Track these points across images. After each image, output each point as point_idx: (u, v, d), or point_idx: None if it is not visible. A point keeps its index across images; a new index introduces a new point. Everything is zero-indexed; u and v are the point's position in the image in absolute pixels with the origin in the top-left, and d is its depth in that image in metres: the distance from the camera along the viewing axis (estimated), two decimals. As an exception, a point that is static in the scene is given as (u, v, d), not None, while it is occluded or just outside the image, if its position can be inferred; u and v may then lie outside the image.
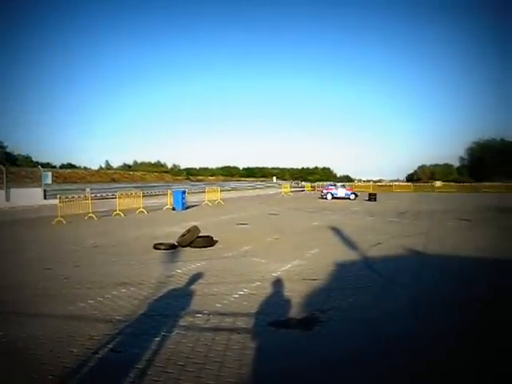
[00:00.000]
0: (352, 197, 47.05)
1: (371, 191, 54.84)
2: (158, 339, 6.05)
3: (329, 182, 73.56)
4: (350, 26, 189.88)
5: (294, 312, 7.34)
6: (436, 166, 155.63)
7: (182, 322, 6.82)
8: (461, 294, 8.49)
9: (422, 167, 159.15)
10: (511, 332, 6.44)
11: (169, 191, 34.46)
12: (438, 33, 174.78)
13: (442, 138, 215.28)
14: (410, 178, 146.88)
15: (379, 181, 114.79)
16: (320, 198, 48.94)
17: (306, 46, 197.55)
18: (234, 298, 8.29)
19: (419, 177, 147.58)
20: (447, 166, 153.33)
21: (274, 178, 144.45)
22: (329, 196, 48.45)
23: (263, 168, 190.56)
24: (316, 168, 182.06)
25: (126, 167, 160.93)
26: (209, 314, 7.20)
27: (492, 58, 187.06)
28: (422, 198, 51.15)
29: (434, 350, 5.66)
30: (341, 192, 48.25)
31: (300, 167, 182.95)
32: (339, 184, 54.30)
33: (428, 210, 30.89)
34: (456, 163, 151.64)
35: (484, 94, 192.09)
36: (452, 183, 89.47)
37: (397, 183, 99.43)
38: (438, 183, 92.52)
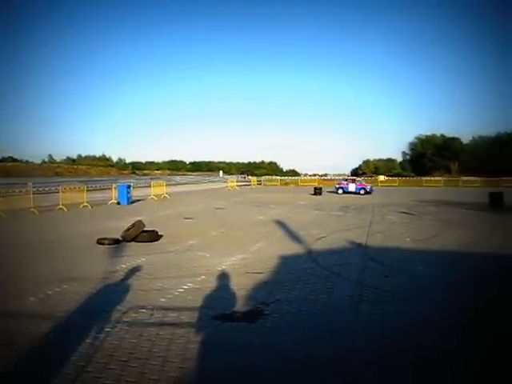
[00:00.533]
0: (362, 192, 46.27)
1: (317, 185, 55.43)
2: (100, 335, 5.97)
3: (341, 178, 75.72)
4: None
5: (239, 305, 7.39)
6: (379, 160, 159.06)
7: (125, 318, 6.75)
8: (402, 286, 8.71)
9: (366, 162, 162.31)
10: (442, 315, 6.69)
11: (114, 185, 33.94)
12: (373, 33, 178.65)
13: (386, 134, 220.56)
14: (355, 173, 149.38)
15: (325, 175, 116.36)
16: (333, 192, 48.86)
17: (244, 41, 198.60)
18: (179, 292, 8.28)
19: (363, 171, 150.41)
20: (390, 161, 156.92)
21: (221, 172, 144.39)
22: (340, 191, 47.93)
23: (210, 162, 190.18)
24: (263, 162, 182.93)
25: (70, 161, 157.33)
26: (153, 309, 7.16)
27: (436, 57, 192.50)
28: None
29: (375, 342, 5.82)
30: (351, 187, 47.42)
31: (247, 161, 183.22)
32: (350, 179, 54.36)
33: (371, 204, 31.55)
34: (399, 158, 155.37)
35: (427, 91, 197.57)
36: (395, 177, 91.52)
37: (342, 177, 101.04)
38: (382, 177, 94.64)
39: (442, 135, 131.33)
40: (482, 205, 29.19)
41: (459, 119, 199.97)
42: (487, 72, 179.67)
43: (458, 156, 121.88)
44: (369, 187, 47.62)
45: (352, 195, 44.36)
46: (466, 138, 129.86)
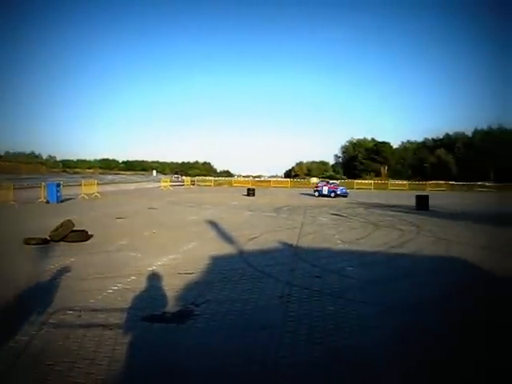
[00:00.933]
0: (332, 195, 45.59)
1: (250, 186, 55.74)
2: (25, 338, 5.78)
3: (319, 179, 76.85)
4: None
5: (169, 306, 7.35)
6: (313, 162, 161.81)
7: (52, 320, 6.57)
8: (332, 286, 8.92)
9: (299, 164, 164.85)
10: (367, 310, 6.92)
11: (43, 183, 32.91)
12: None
13: (319, 137, 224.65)
14: (288, 174, 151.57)
15: (258, 176, 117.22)
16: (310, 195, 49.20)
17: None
18: (108, 293, 8.14)
19: (296, 173, 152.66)
20: (323, 163, 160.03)
21: (154, 171, 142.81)
22: (316, 193, 47.80)
23: (143, 161, 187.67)
24: (197, 162, 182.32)
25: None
26: (80, 311, 7.01)
27: (370, 64, 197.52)
28: (298, 194, 53.00)
29: (303, 341, 5.94)
30: (325, 190, 47.01)
31: (181, 161, 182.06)
32: (323, 182, 52.79)
33: (304, 206, 32.08)
34: (331, 161, 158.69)
35: (360, 96, 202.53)
36: (327, 180, 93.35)
37: (275, 179, 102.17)
38: (315, 179, 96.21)
39: (373, 139, 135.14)
40: (409, 207, 30.27)
41: (389, 124, 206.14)
42: (419, 78, 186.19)
43: (387, 160, 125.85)
44: (342, 189, 47.20)
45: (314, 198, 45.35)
46: (395, 143, 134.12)
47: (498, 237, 17.01)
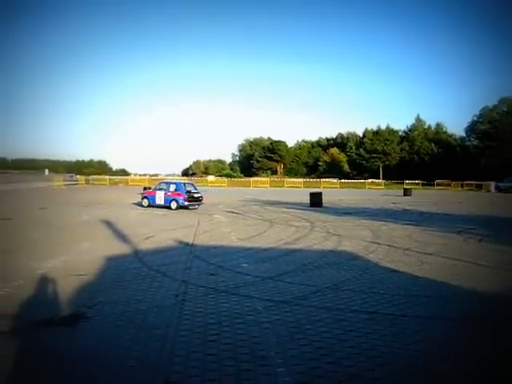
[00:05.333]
0: (173, 205, 27.71)
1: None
2: None
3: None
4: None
5: (60, 310, 7.09)
6: (210, 161, 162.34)
7: None
8: (226, 283, 9.00)
9: (196, 162, 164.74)
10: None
11: None
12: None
13: (217, 135, 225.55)
14: (186, 173, 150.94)
15: (156, 175, 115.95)
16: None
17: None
18: (-7, 298, 7.72)
19: (194, 171, 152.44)
20: (220, 162, 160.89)
21: (46, 170, 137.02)
22: (144, 203, 29.37)
23: (33, 159, 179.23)
24: (91, 161, 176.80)
25: None
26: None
27: (269, 64, 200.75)
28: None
29: (198, 339, 5.96)
30: (159, 198, 28.53)
31: (75, 160, 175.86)
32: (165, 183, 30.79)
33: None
34: (229, 159, 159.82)
35: (254, 95, 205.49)
36: (224, 178, 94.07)
37: (172, 177, 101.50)
38: (212, 178, 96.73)
39: (269, 138, 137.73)
40: (303, 204, 31.17)
41: (284, 124, 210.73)
42: (312, 80, 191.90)
43: (283, 158, 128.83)
44: (180, 199, 27.78)
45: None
46: (291, 142, 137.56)
47: (382, 230, 17.85)
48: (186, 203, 27.80)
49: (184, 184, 30.11)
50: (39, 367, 5.05)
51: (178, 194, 28.00)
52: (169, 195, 28.18)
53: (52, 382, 4.77)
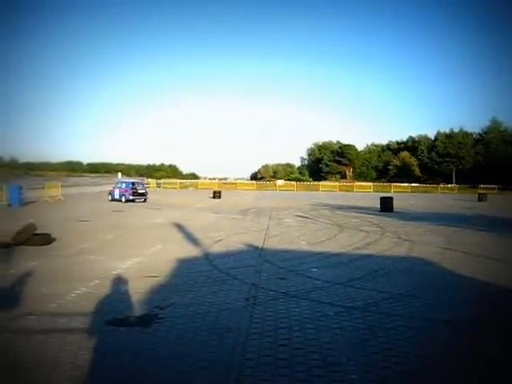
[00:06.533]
0: (123, 199, 36.99)
1: (216, 189, 55.61)
2: (-18, 344, 5.65)
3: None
4: None
5: (134, 310, 7.26)
6: (278, 165, 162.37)
7: (11, 326, 6.41)
8: (296, 288, 8.95)
9: (265, 166, 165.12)
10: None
11: (4, 186, 32.21)
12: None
13: (285, 139, 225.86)
14: (254, 177, 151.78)
15: (224, 179, 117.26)
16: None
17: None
18: (71, 297, 7.99)
19: (262, 175, 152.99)
20: (289, 166, 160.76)
21: (119, 174, 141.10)
22: (109, 197, 38.71)
23: (108, 164, 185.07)
24: (162, 165, 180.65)
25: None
26: (41, 316, 6.86)
27: (328, 68, 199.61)
28: (264, 196, 53.13)
29: (269, 343, 5.94)
30: (116, 193, 38.05)
31: (146, 164, 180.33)
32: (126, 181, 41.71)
33: (269, 208, 32.16)
34: (297, 163, 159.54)
35: (323, 99, 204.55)
36: (293, 182, 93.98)
37: (241, 181, 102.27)
38: (280, 182, 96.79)
39: (339, 142, 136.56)
40: (373, 209, 30.64)
41: (354, 127, 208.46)
42: (380, 83, 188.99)
43: (352, 162, 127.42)
44: (127, 194, 36.99)
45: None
46: (360, 145, 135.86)
47: (455, 236, 17.28)
48: (132, 197, 36.70)
49: (132, 183, 39.63)
50: (113, 365, 5.16)
51: (126, 191, 37.30)
52: (121, 191, 37.63)
53: (126, 381, 4.86)
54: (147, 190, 42.16)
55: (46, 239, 13.77)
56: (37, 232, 13.84)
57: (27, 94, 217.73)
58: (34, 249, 12.87)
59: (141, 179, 78.04)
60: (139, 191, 37.98)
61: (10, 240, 13.21)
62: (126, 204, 34.29)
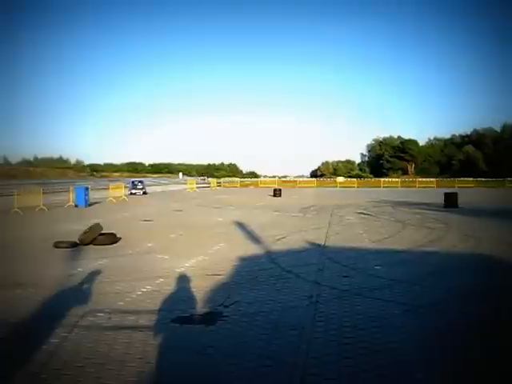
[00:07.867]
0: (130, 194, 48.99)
1: (276, 187, 55.62)
2: (55, 341, 5.82)
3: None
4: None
5: (197, 308, 7.34)
6: (339, 162, 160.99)
7: (82, 322, 6.61)
8: (360, 286, 8.82)
9: (325, 163, 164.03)
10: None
11: (71, 188, 33.36)
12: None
13: (345, 136, 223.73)
14: (314, 174, 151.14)
15: (284, 176, 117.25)
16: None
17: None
18: (137, 295, 8.18)
19: (322, 172, 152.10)
20: (349, 162, 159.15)
21: (181, 174, 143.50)
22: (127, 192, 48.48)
23: (169, 164, 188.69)
24: (222, 164, 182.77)
25: (26, 163, 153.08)
26: (110, 313, 7.05)
27: (387, 62, 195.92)
28: (325, 193, 52.79)
29: (333, 341, 5.88)
30: (128, 190, 49.44)
31: (207, 163, 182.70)
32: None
33: (330, 205, 31.91)
34: (357, 159, 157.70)
35: (384, 93, 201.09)
36: (353, 179, 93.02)
37: (301, 179, 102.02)
38: (341, 179, 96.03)
39: (399, 137, 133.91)
40: (437, 205, 29.87)
41: (415, 121, 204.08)
42: (442, 75, 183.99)
43: (414, 157, 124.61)
44: (131, 191, 50.23)
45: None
46: (422, 140, 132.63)
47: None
48: (133, 191, 50.25)
49: (134, 182, 54.24)
50: (178, 362, 5.22)
51: (131, 188, 50.84)
52: (130, 189, 50.17)
53: (191, 378, 4.92)
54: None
55: (112, 239, 14.13)
56: (102, 232, 14.23)
57: (91, 95, 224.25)
58: (101, 248, 13.25)
59: (201, 178, 79.83)
60: (138, 188, 51.61)
61: (78, 240, 13.65)
62: (186, 203, 34.76)
